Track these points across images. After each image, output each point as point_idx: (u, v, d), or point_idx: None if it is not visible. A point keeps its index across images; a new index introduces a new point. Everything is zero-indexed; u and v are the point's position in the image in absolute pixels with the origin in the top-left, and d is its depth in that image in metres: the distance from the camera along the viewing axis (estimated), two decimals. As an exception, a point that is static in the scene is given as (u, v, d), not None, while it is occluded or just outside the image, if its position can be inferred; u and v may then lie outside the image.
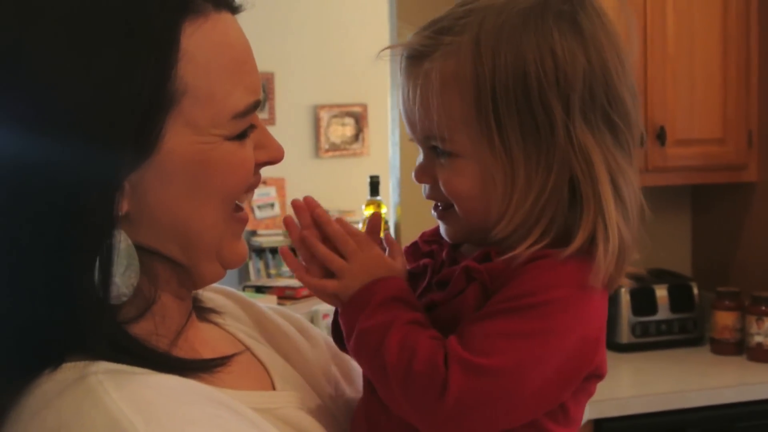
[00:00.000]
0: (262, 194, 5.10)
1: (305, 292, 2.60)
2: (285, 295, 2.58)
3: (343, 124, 5.53)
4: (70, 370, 0.64)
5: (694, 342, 2.59)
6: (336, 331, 0.84)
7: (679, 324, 2.58)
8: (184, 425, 0.61)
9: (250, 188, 0.74)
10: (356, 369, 0.89)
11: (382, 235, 0.86)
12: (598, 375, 0.80)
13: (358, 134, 5.55)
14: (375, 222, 0.84)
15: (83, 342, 0.65)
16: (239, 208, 0.74)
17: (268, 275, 4.87)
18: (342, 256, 0.80)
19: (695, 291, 2.61)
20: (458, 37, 0.77)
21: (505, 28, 0.76)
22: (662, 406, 2.22)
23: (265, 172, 0.78)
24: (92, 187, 0.64)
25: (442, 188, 0.80)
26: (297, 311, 0.99)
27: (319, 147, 5.48)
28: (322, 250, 0.80)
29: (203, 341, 0.77)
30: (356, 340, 0.77)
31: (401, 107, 0.82)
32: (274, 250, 5.00)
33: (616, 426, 2.17)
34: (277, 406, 0.76)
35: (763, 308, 2.43)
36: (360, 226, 2.75)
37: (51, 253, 0.64)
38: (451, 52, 0.77)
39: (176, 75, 0.66)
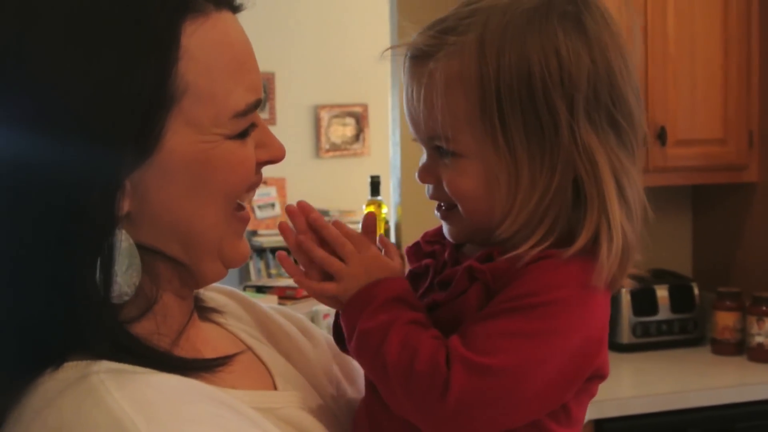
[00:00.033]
0: (262, 194, 5.10)
1: (306, 292, 2.60)
2: (286, 295, 2.58)
3: (344, 124, 5.53)
4: (71, 369, 0.64)
5: (694, 342, 2.59)
6: (337, 332, 0.84)
7: (680, 324, 2.58)
8: (186, 425, 0.61)
9: (252, 187, 0.74)
10: (358, 369, 0.89)
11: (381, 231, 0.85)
12: (600, 375, 0.80)
13: (358, 134, 5.55)
14: (370, 222, 0.84)
15: (85, 341, 0.65)
16: (241, 207, 0.74)
17: (269, 275, 4.87)
18: (340, 258, 0.80)
19: (696, 291, 2.61)
20: (462, 36, 0.77)
21: (509, 28, 0.76)
22: (663, 406, 2.22)
23: (266, 172, 0.78)
24: (93, 187, 0.64)
25: (446, 188, 0.80)
26: (297, 311, 0.99)
27: (319, 147, 5.48)
28: (320, 253, 0.80)
29: (205, 341, 0.77)
30: (357, 341, 0.77)
31: (405, 107, 0.82)
32: (274, 250, 5.00)
33: (616, 426, 2.17)
34: (278, 405, 0.76)
35: (764, 308, 2.43)
36: (360, 226, 2.75)
37: (52, 253, 0.64)
38: (456, 51, 0.77)
39: (177, 74, 0.66)
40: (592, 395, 0.82)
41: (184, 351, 0.71)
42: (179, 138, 0.67)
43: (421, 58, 0.79)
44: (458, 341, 0.73)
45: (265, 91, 5.12)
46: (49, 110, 0.64)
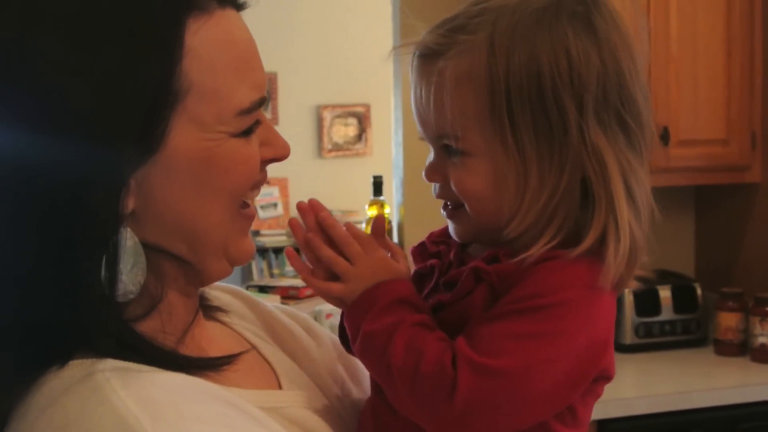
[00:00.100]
0: (265, 194, 5.10)
1: (308, 292, 2.60)
2: (288, 295, 2.58)
3: (346, 125, 5.53)
4: (77, 367, 0.64)
5: (697, 343, 2.58)
6: (342, 333, 0.84)
7: (683, 325, 2.58)
8: (191, 423, 0.61)
9: (256, 185, 0.74)
10: (363, 369, 0.89)
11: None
12: (606, 377, 0.80)
13: (361, 134, 5.55)
14: (379, 224, 0.84)
15: (90, 339, 0.65)
16: (246, 205, 0.74)
17: (272, 275, 4.87)
18: (347, 259, 0.80)
19: (699, 292, 2.61)
20: (472, 35, 0.77)
21: (519, 28, 0.76)
22: (665, 406, 2.21)
23: (269, 172, 0.78)
24: (98, 185, 0.64)
25: (454, 187, 0.80)
26: (300, 311, 0.99)
27: (322, 147, 5.48)
28: (327, 252, 0.80)
29: (209, 339, 0.77)
30: (362, 343, 0.77)
31: (413, 105, 0.82)
32: (277, 250, 5.01)
33: (619, 427, 2.17)
34: (283, 405, 0.76)
35: (767, 309, 2.43)
36: (363, 227, 2.76)
37: (57, 251, 0.64)
38: (465, 50, 0.77)
39: (181, 72, 0.66)
40: (598, 396, 0.82)
41: (189, 349, 0.71)
42: (183, 136, 0.67)
43: (431, 57, 0.79)
44: (464, 343, 0.73)
45: (267, 91, 5.11)
46: (53, 109, 0.64)
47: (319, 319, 2.27)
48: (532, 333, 0.72)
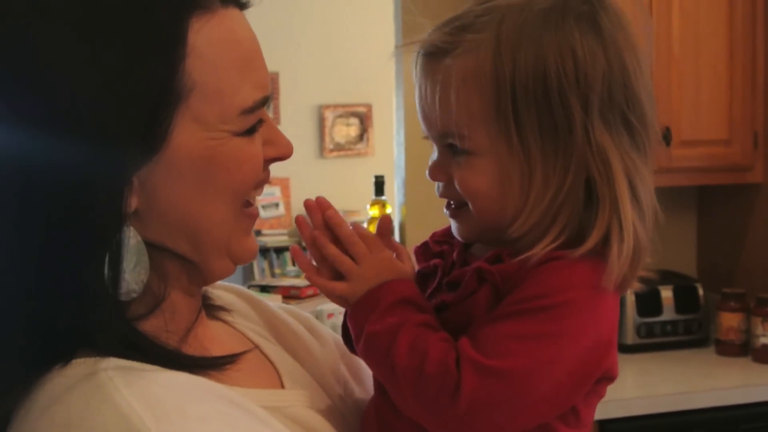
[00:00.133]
0: (266, 194, 5.11)
1: (310, 291, 2.60)
2: (290, 295, 2.58)
3: (348, 124, 5.53)
4: (80, 366, 0.64)
5: (699, 343, 2.58)
6: (346, 332, 0.84)
7: (684, 325, 2.57)
8: (194, 422, 0.61)
9: (259, 184, 0.74)
10: (365, 369, 0.89)
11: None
12: (609, 377, 0.80)
13: (362, 134, 5.55)
14: (385, 225, 0.84)
15: (93, 338, 0.65)
16: (249, 204, 0.74)
17: (273, 275, 4.88)
18: (352, 258, 0.80)
19: (700, 292, 2.60)
20: (479, 34, 0.77)
21: (525, 27, 0.76)
22: (667, 407, 2.21)
23: (270, 172, 0.78)
24: (101, 184, 0.64)
25: (458, 186, 0.80)
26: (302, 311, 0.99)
27: (323, 147, 5.48)
28: (333, 251, 0.80)
29: (212, 339, 0.77)
30: (365, 343, 0.77)
31: (417, 104, 0.82)
32: (278, 250, 5.01)
33: (620, 427, 2.16)
34: (286, 404, 0.76)
35: (769, 309, 2.43)
36: (365, 226, 2.75)
37: (60, 250, 0.64)
38: (472, 49, 0.77)
39: (184, 71, 0.66)
40: (601, 397, 0.82)
41: (192, 349, 0.71)
42: (186, 135, 0.67)
43: (436, 56, 0.79)
44: (468, 344, 0.73)
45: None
46: (56, 108, 0.64)
47: (321, 319, 2.27)
48: (535, 334, 0.72)
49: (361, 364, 0.90)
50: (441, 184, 0.82)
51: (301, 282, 2.67)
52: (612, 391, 0.83)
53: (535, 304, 0.73)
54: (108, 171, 0.65)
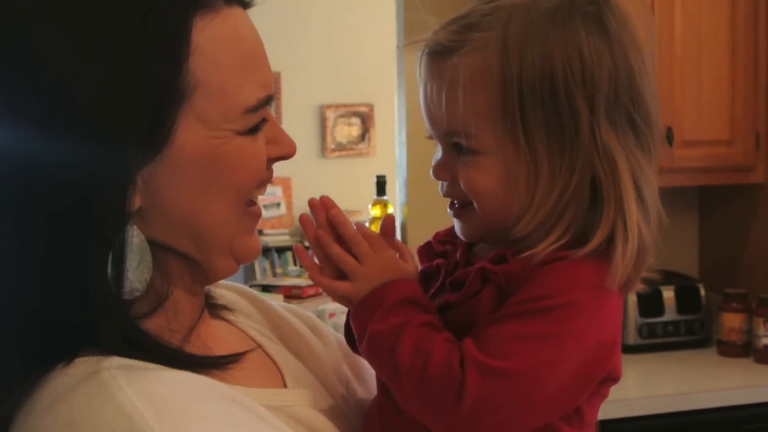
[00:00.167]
0: (268, 194, 5.09)
1: (311, 291, 2.60)
2: (291, 294, 2.59)
3: (350, 124, 5.53)
4: (83, 364, 0.64)
5: (700, 344, 2.58)
6: (348, 332, 0.83)
7: (686, 325, 2.57)
8: (197, 421, 0.61)
9: (263, 183, 0.74)
10: (368, 369, 0.89)
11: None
12: (613, 378, 0.80)
13: (364, 134, 5.55)
14: (388, 224, 0.84)
15: (96, 337, 0.65)
16: (252, 203, 0.74)
17: (274, 274, 4.88)
18: (355, 257, 0.80)
19: (702, 292, 2.60)
20: (485, 33, 0.77)
21: (532, 27, 0.76)
22: (668, 407, 2.21)
23: (273, 171, 0.78)
24: (104, 183, 0.64)
25: (463, 186, 0.79)
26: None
27: (325, 147, 5.48)
28: (336, 250, 0.80)
29: (215, 338, 0.77)
30: (368, 343, 0.77)
31: (422, 103, 0.82)
32: (280, 250, 5.01)
33: (622, 427, 2.16)
34: (288, 404, 0.76)
35: (771, 310, 2.42)
36: (366, 226, 2.74)
37: (64, 249, 0.64)
38: (479, 48, 0.77)
39: (187, 70, 0.66)
40: (604, 397, 0.82)
41: (194, 348, 0.71)
42: (190, 134, 0.67)
43: (442, 54, 0.79)
44: (472, 344, 0.73)
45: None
46: (59, 107, 0.64)
47: (323, 319, 2.28)
48: (539, 334, 0.72)
49: (364, 363, 0.90)
50: (445, 183, 0.82)
51: (303, 281, 2.67)
52: (614, 391, 0.83)
53: (540, 305, 0.73)
54: (111, 170, 0.65)
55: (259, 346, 0.83)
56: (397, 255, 0.82)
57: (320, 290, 0.83)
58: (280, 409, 0.74)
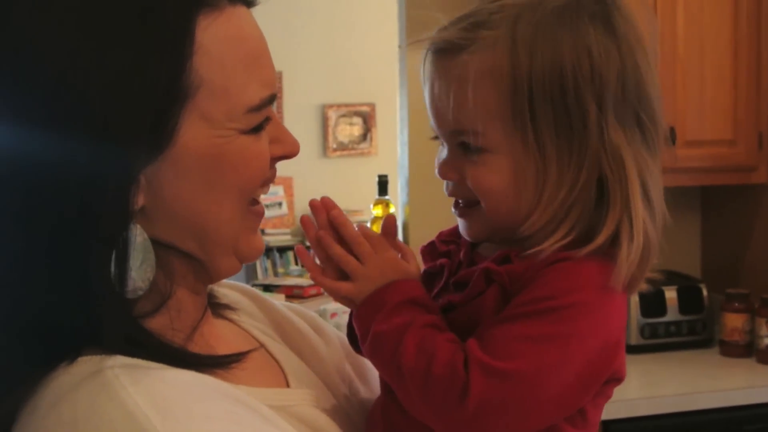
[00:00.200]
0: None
1: (313, 291, 2.60)
2: (293, 294, 2.59)
3: (351, 124, 5.53)
4: (86, 363, 0.64)
5: (703, 344, 2.58)
6: (351, 332, 0.83)
7: (688, 326, 2.57)
8: (200, 421, 0.61)
9: (266, 182, 0.74)
10: (371, 368, 0.89)
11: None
12: (617, 378, 0.79)
13: (366, 134, 5.55)
14: (390, 224, 0.84)
15: (99, 336, 0.65)
16: (255, 202, 0.74)
17: (276, 274, 4.88)
18: (357, 258, 0.79)
19: (704, 293, 2.60)
20: (494, 31, 0.77)
21: (541, 26, 0.76)
22: (670, 408, 2.21)
23: (276, 170, 0.78)
24: (108, 181, 0.64)
25: (471, 184, 0.79)
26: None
27: (327, 146, 5.48)
28: (338, 251, 0.79)
29: (218, 337, 0.77)
30: (371, 344, 0.77)
31: (428, 101, 0.82)
32: (281, 249, 5.01)
33: (624, 428, 2.16)
34: (291, 403, 0.76)
35: (773, 310, 2.42)
36: (368, 225, 2.75)
37: (67, 247, 0.64)
38: (488, 46, 0.77)
39: (191, 68, 0.66)
40: (608, 398, 0.81)
41: (197, 347, 0.71)
42: (193, 133, 0.67)
43: (451, 52, 0.78)
44: (476, 345, 0.73)
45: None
46: (62, 106, 0.63)
47: (324, 318, 2.27)
48: (544, 335, 0.72)
49: (367, 363, 0.90)
50: (450, 182, 0.82)
51: (304, 281, 2.67)
52: (616, 391, 0.83)
53: (544, 306, 0.73)
54: (115, 169, 0.64)
55: (262, 345, 0.83)
56: (399, 255, 0.82)
57: (322, 290, 0.83)
58: (283, 409, 0.73)
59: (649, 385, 2.33)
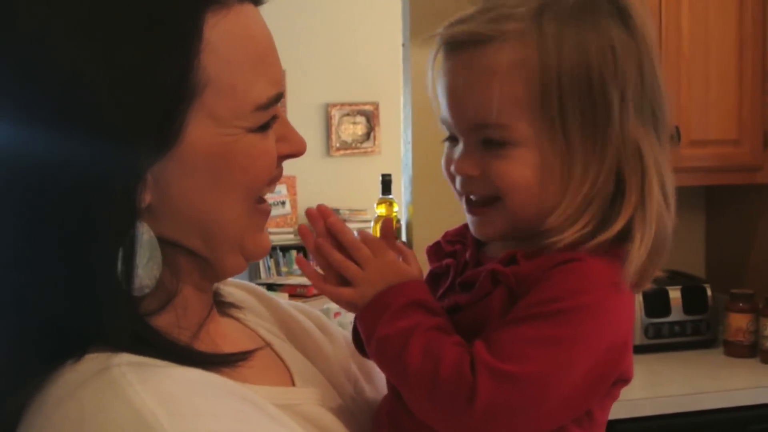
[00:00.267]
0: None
1: (316, 290, 2.60)
2: (296, 293, 2.59)
3: (355, 123, 5.53)
4: (92, 361, 0.64)
5: (707, 344, 2.57)
6: (356, 336, 0.83)
7: (692, 326, 2.57)
8: (207, 418, 0.61)
9: (273, 181, 0.74)
10: (376, 368, 0.89)
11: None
12: (624, 379, 0.79)
13: (369, 133, 5.55)
14: (387, 227, 0.83)
15: (105, 333, 0.65)
16: (261, 200, 0.74)
17: (279, 273, 4.88)
18: (357, 263, 0.79)
19: (709, 293, 2.59)
20: (520, 24, 0.77)
21: (565, 20, 0.77)
22: (674, 408, 2.21)
23: (282, 168, 0.78)
24: (114, 179, 0.64)
25: (495, 179, 0.78)
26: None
27: (330, 145, 5.48)
28: (337, 257, 0.79)
29: (223, 335, 0.77)
30: (376, 347, 0.77)
31: (445, 95, 0.81)
32: (284, 248, 5.01)
33: (627, 428, 2.16)
34: (297, 402, 0.76)
35: (777, 310, 2.42)
36: (371, 225, 2.74)
37: (74, 245, 0.64)
38: (516, 39, 0.77)
39: (199, 66, 0.66)
40: (615, 398, 0.81)
41: (203, 345, 0.71)
42: (200, 131, 0.67)
43: (474, 45, 0.78)
44: (483, 348, 0.72)
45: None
46: (70, 103, 0.63)
47: (328, 317, 2.28)
48: (551, 338, 0.72)
49: (372, 363, 0.90)
50: (464, 179, 0.81)
51: (307, 280, 2.67)
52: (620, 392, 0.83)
53: (551, 308, 0.72)
54: (122, 167, 0.64)
55: (268, 344, 0.83)
56: (400, 258, 0.81)
57: (325, 292, 0.83)
58: (288, 408, 0.73)
59: (653, 386, 2.33)
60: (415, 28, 2.72)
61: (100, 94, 0.63)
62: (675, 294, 2.55)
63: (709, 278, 2.77)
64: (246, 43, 0.69)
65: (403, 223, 2.86)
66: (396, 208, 2.72)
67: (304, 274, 0.82)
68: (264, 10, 0.74)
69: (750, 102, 2.49)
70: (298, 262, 0.83)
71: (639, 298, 2.51)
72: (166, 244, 0.68)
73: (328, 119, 5.48)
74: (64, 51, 0.63)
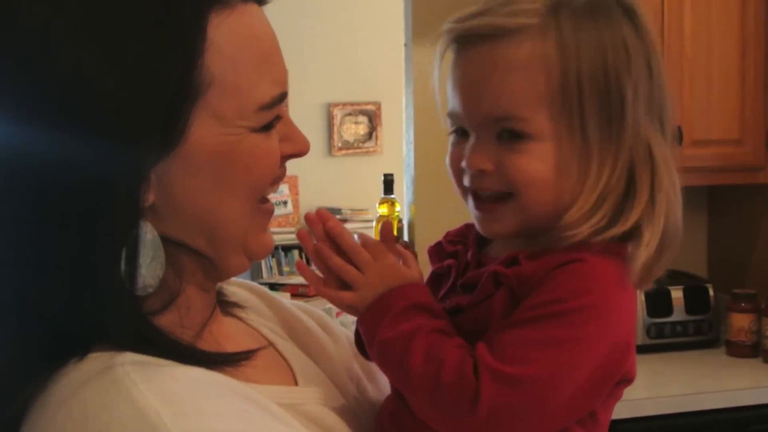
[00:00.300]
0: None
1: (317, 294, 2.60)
2: (298, 293, 2.59)
3: (357, 122, 5.52)
4: (96, 360, 0.64)
5: (709, 344, 2.57)
6: (359, 339, 0.83)
7: (695, 326, 2.56)
8: (210, 418, 0.61)
9: (276, 180, 0.74)
10: (378, 368, 0.89)
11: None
12: (627, 379, 0.79)
13: (371, 132, 5.55)
14: (387, 231, 0.83)
15: (109, 333, 0.65)
16: (265, 200, 0.74)
17: (281, 273, 4.88)
18: (356, 267, 0.79)
19: (711, 293, 2.59)
20: (538, 18, 0.77)
21: (581, 16, 0.77)
22: (676, 408, 2.20)
23: (286, 168, 0.78)
24: (118, 179, 0.64)
25: (511, 173, 0.77)
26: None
27: (332, 145, 5.48)
28: (337, 262, 0.79)
29: (226, 335, 0.77)
30: (378, 350, 0.76)
31: (456, 90, 0.80)
32: (286, 248, 5.01)
33: (629, 428, 2.16)
34: (300, 401, 0.76)
35: (780, 311, 2.42)
36: (373, 225, 2.74)
37: (77, 244, 0.64)
38: (536, 32, 0.77)
39: (203, 66, 0.66)
40: (618, 399, 0.81)
41: (206, 344, 0.71)
42: (204, 130, 0.67)
43: (492, 38, 0.78)
44: (485, 350, 0.72)
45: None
46: (73, 103, 0.63)
47: (330, 317, 2.27)
48: (554, 339, 0.71)
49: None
50: (475, 174, 0.79)
51: (310, 280, 2.66)
52: (621, 392, 0.83)
53: (553, 309, 0.72)
54: (125, 166, 0.64)
55: (271, 343, 0.83)
56: (400, 260, 0.81)
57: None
58: (291, 407, 0.73)
59: (654, 385, 2.33)
60: (418, 27, 2.72)
61: (103, 94, 0.63)
62: (677, 294, 2.55)
63: (712, 278, 2.76)
64: (250, 43, 0.69)
65: (405, 223, 2.86)
66: (398, 207, 2.72)
67: (304, 278, 0.82)
68: (266, 9, 0.74)
69: (752, 102, 2.49)
70: (298, 267, 0.83)
71: (641, 298, 2.50)
72: (169, 243, 0.68)
73: (330, 119, 5.48)
74: (66, 50, 0.63)
